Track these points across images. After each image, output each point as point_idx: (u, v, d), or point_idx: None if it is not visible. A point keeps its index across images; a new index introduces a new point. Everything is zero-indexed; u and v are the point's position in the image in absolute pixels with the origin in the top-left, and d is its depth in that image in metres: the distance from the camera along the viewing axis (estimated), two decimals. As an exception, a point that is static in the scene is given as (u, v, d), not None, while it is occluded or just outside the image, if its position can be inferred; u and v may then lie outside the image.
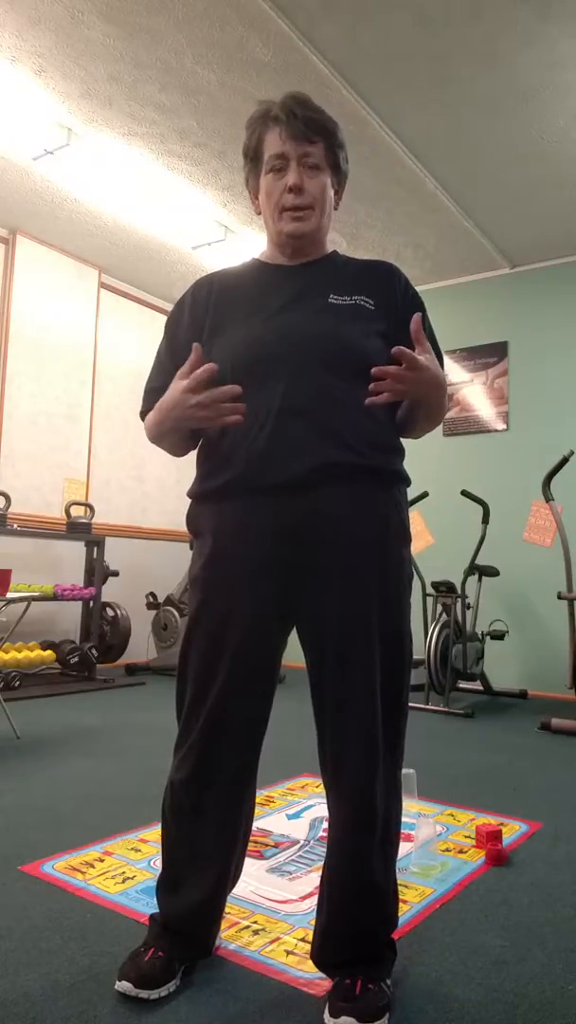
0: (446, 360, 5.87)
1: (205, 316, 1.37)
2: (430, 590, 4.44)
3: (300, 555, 1.27)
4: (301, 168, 1.32)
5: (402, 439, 1.40)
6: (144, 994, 1.24)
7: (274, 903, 1.65)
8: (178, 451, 1.41)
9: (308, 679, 1.32)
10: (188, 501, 1.40)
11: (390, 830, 1.29)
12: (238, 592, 1.28)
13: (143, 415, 1.41)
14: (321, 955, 1.30)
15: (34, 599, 3.51)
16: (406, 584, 1.33)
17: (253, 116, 1.36)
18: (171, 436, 1.35)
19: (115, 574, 5.19)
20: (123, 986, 1.25)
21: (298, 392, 1.26)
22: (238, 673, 1.29)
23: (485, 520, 4.55)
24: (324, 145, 1.33)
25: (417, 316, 1.23)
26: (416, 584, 4.51)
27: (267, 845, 2.01)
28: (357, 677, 1.25)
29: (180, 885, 1.33)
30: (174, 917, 1.34)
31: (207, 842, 1.32)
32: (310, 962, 1.33)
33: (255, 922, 1.55)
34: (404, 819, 2.04)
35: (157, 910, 1.38)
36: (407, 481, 1.37)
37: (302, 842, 2.04)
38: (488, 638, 4.71)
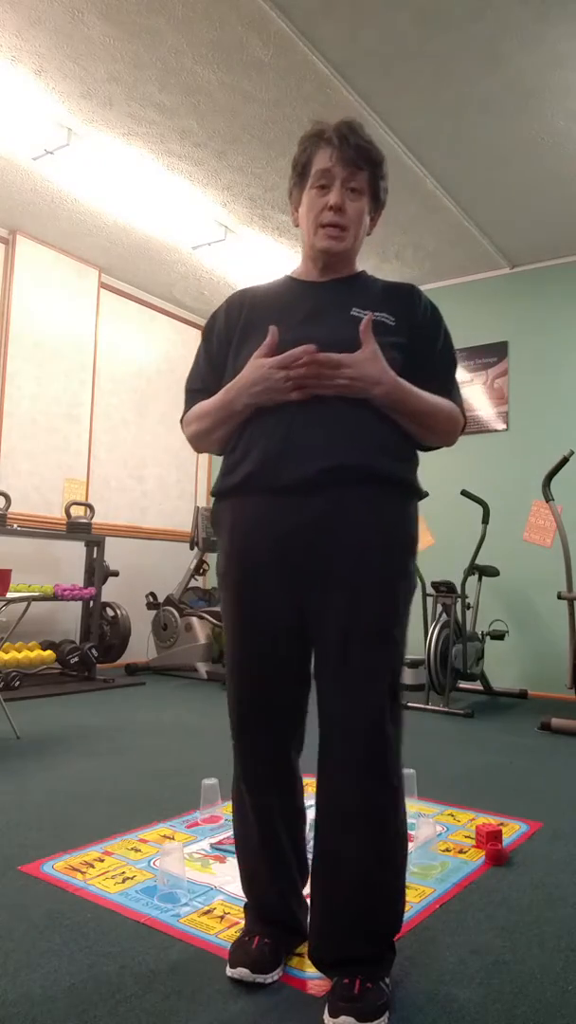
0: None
1: (236, 327, 1.44)
2: (430, 590, 4.44)
3: (307, 555, 1.30)
4: (344, 190, 1.39)
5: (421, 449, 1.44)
6: (260, 978, 1.29)
7: (274, 903, 1.65)
8: (222, 447, 1.43)
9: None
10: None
11: (399, 816, 1.30)
12: (254, 587, 1.34)
13: (185, 415, 1.49)
14: (318, 953, 1.30)
15: (34, 599, 3.51)
16: (406, 593, 1.35)
17: (307, 134, 1.44)
18: (234, 421, 1.37)
19: (115, 574, 5.19)
20: (239, 972, 1.30)
21: (314, 397, 1.30)
22: (264, 666, 1.35)
23: (485, 520, 4.55)
24: (368, 173, 1.42)
25: (367, 318, 1.29)
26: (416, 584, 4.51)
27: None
28: (357, 671, 1.28)
29: (253, 876, 1.42)
30: (259, 907, 1.41)
31: (257, 837, 1.39)
32: (310, 962, 1.33)
33: (255, 922, 1.55)
34: (404, 819, 2.00)
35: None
36: (419, 494, 1.39)
37: (302, 842, 2.04)
38: (488, 638, 4.71)
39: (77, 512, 5.06)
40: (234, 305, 1.47)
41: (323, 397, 1.30)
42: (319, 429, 1.29)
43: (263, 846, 1.39)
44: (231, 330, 1.45)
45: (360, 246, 1.47)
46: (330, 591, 1.29)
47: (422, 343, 1.41)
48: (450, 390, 1.42)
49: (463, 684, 4.80)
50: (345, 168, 1.38)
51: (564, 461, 4.03)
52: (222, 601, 1.41)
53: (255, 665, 1.36)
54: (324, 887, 1.30)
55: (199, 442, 1.48)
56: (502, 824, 2.18)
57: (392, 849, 1.29)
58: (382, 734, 1.27)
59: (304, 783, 1.45)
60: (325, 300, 1.41)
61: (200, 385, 1.48)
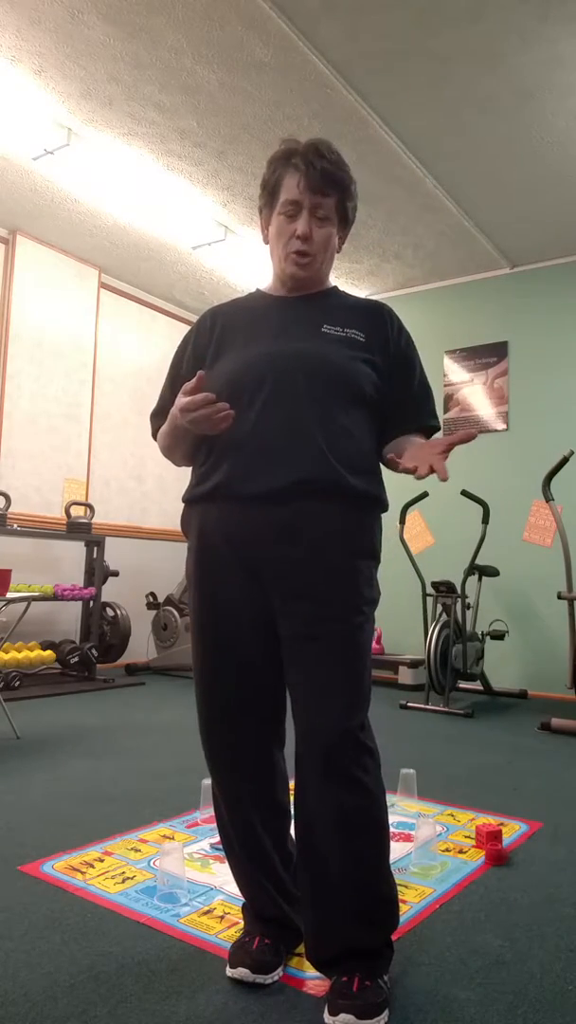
0: (446, 360, 5.83)
1: (208, 345, 1.47)
2: (430, 590, 4.44)
3: (271, 562, 1.32)
4: (312, 218, 1.40)
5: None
6: (260, 979, 1.30)
7: (274, 903, 1.64)
8: (187, 461, 1.50)
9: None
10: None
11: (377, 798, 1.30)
12: (219, 589, 1.37)
13: (154, 436, 1.56)
14: (316, 954, 1.30)
15: (34, 599, 3.51)
16: (370, 603, 1.36)
17: (276, 155, 1.44)
18: (182, 445, 1.45)
19: (115, 574, 5.19)
20: (240, 972, 1.31)
21: (284, 410, 1.33)
22: (226, 665, 1.38)
23: (485, 520, 4.55)
24: (336, 199, 1.42)
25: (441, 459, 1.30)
26: (416, 584, 4.52)
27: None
28: (321, 678, 1.29)
29: (239, 876, 1.42)
30: (251, 904, 1.42)
31: (234, 835, 1.40)
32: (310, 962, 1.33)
33: (255, 922, 1.55)
34: (404, 819, 2.04)
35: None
36: (383, 506, 1.42)
37: (302, 842, 2.04)
38: (488, 638, 4.71)
39: (77, 512, 5.06)
40: (204, 324, 1.51)
41: (294, 404, 1.33)
42: (290, 440, 1.32)
43: (241, 843, 1.39)
44: (203, 347, 1.47)
45: (330, 266, 1.50)
46: (294, 599, 1.31)
47: (400, 378, 1.44)
48: (430, 420, 1.47)
49: (463, 684, 4.80)
50: (312, 197, 1.38)
51: (564, 461, 4.03)
52: (189, 601, 1.43)
53: (218, 664, 1.38)
54: (312, 889, 1.30)
55: (169, 458, 1.54)
56: (502, 824, 2.18)
57: (373, 849, 1.29)
58: (347, 739, 1.27)
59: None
60: (296, 315, 1.44)
61: (159, 408, 1.53)
